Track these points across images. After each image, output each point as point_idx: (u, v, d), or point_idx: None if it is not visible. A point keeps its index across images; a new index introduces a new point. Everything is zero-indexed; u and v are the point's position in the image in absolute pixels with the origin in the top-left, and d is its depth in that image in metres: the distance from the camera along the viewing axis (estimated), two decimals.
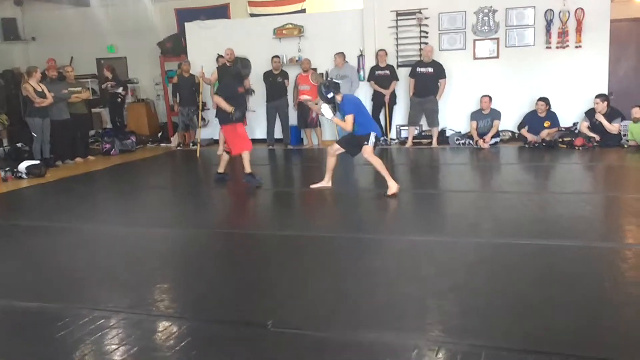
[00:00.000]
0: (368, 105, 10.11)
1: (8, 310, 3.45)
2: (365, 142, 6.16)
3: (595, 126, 8.71)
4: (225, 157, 7.15)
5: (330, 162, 6.50)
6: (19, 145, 9.85)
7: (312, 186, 6.57)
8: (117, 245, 4.85)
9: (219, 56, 10.28)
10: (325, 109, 6.17)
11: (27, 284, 3.91)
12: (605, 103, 8.69)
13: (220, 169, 7.21)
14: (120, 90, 11.12)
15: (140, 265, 4.24)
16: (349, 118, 6.04)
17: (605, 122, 8.60)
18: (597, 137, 8.61)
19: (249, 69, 7.04)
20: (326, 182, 6.53)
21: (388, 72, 9.91)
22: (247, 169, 6.75)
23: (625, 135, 8.64)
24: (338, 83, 6.40)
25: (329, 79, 6.46)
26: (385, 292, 3.46)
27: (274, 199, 6.76)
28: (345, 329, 2.95)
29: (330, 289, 3.58)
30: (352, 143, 6.36)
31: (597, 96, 8.76)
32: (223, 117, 6.94)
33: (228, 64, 9.63)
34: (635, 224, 4.76)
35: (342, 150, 6.44)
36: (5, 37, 13.03)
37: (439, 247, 4.32)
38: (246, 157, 6.75)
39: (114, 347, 2.86)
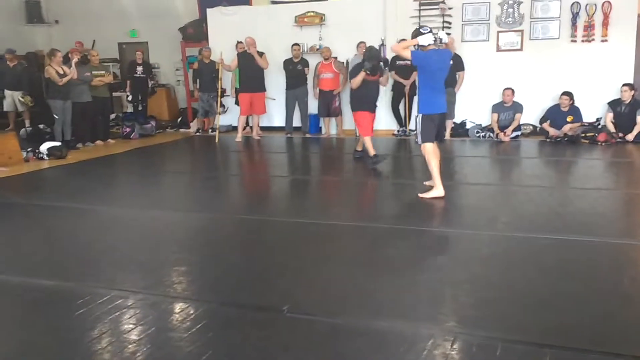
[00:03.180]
0: (388, 95, 10.08)
1: (29, 287, 3.51)
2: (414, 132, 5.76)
3: (620, 116, 8.58)
4: (361, 139, 7.60)
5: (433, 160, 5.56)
6: (40, 126, 9.97)
7: (421, 195, 5.56)
8: (135, 228, 4.91)
9: (239, 42, 10.28)
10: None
11: (47, 263, 3.98)
12: (632, 92, 8.56)
13: (359, 147, 7.74)
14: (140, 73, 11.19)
15: (157, 247, 4.29)
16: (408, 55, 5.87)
17: None
18: (621, 134, 8.48)
19: (371, 61, 6.95)
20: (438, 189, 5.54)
21: (409, 62, 9.77)
22: (370, 152, 7.13)
23: None
24: (441, 38, 5.67)
25: (419, 27, 5.85)
26: (401, 281, 3.46)
27: (290, 187, 6.76)
28: (360, 316, 2.95)
29: (346, 276, 3.58)
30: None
31: (625, 84, 8.65)
32: (353, 104, 7.40)
33: (248, 51, 9.66)
34: None
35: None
36: (28, 19, 13.17)
37: (456, 239, 4.30)
38: (367, 141, 7.19)
39: (131, 326, 2.90)
